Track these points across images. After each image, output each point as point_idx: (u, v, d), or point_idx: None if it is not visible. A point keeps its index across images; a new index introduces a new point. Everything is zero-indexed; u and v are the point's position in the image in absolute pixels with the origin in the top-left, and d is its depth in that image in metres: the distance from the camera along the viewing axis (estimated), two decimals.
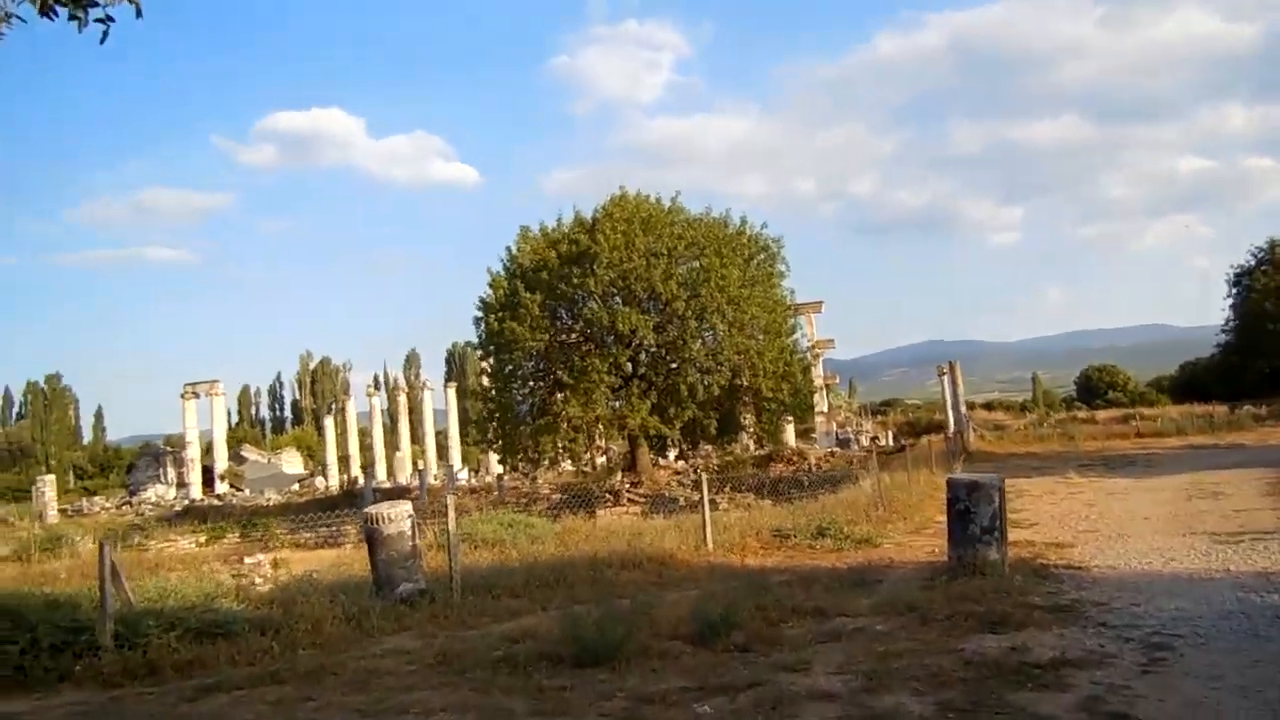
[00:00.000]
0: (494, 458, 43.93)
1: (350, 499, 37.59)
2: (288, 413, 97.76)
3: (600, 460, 34.36)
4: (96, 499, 51.55)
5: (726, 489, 27.80)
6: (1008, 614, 7.28)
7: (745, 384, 26.68)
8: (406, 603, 9.40)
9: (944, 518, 15.33)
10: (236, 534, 29.59)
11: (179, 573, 14.89)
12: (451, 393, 58.55)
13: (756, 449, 36.87)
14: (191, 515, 37.44)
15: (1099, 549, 10.84)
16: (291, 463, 64.57)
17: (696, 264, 25.83)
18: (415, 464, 53.92)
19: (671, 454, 34.94)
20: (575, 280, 24.87)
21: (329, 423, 60.65)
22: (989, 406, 75.95)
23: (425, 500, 34.79)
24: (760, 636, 7.13)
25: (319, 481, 54.91)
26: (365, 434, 60.43)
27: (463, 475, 47.14)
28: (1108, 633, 6.81)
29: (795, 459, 37.16)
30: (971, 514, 8.84)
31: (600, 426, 26.35)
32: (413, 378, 79.47)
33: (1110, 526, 12.83)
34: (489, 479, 43.91)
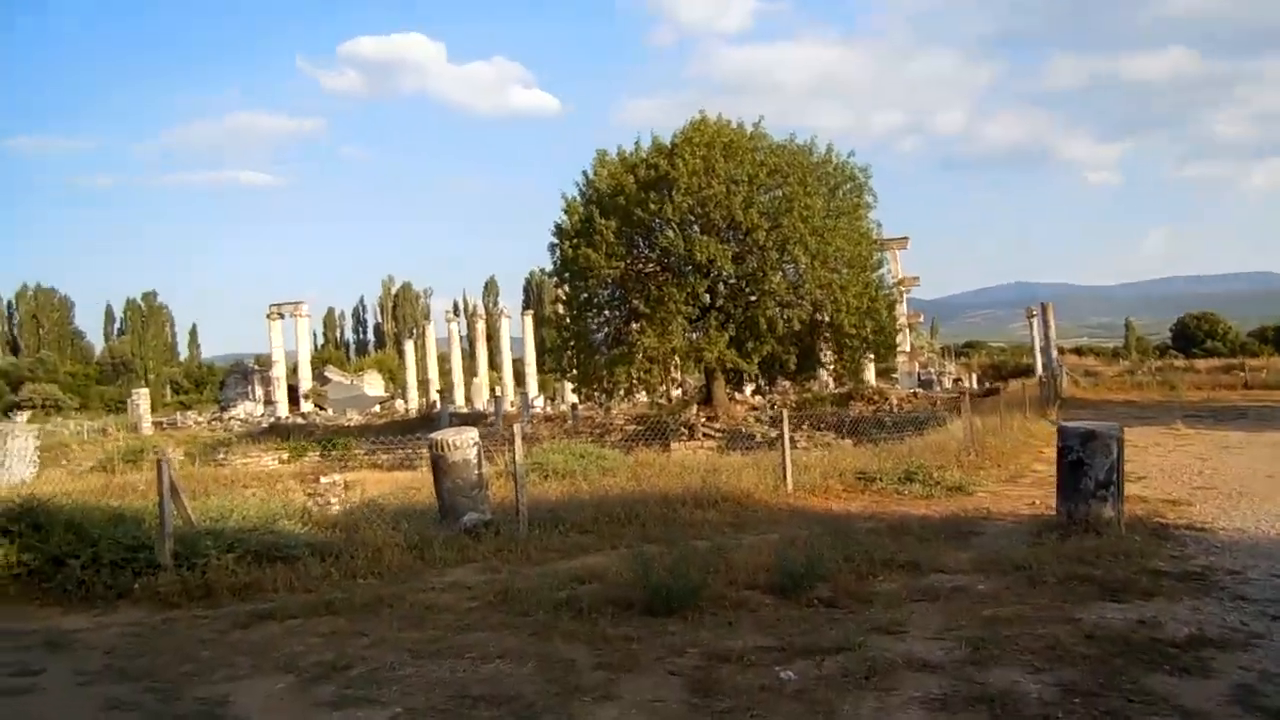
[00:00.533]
0: (569, 386, 43.88)
1: (427, 422, 38.04)
2: (370, 336, 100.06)
3: (675, 393, 33.89)
4: (190, 413, 53.52)
5: (805, 426, 27.00)
6: (1130, 580, 6.48)
7: (827, 319, 25.68)
8: (470, 533, 9.04)
9: (1042, 466, 14.48)
10: (317, 452, 30.21)
11: (254, 489, 15.02)
12: (529, 320, 58.64)
13: (836, 387, 35.88)
14: (276, 432, 38.44)
15: (1221, 509, 9.84)
16: (373, 385, 65.95)
17: (779, 193, 24.67)
18: (492, 390, 54.42)
19: (748, 389, 34.25)
20: (652, 206, 24.02)
21: (409, 347, 61.67)
22: (1079, 352, 73.16)
23: (500, 426, 34.92)
24: (848, 591, 6.49)
25: (399, 404, 55.90)
26: (444, 359, 61.24)
27: (538, 403, 47.31)
28: (1249, 607, 5.97)
29: (876, 398, 36.08)
30: (1085, 466, 7.97)
31: (676, 358, 25.72)
32: (491, 305, 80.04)
33: (1229, 483, 11.74)
34: (564, 407, 43.93)
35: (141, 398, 42.81)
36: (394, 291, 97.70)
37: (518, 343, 62.27)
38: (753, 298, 25.35)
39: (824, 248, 24.05)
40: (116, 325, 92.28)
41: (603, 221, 24.32)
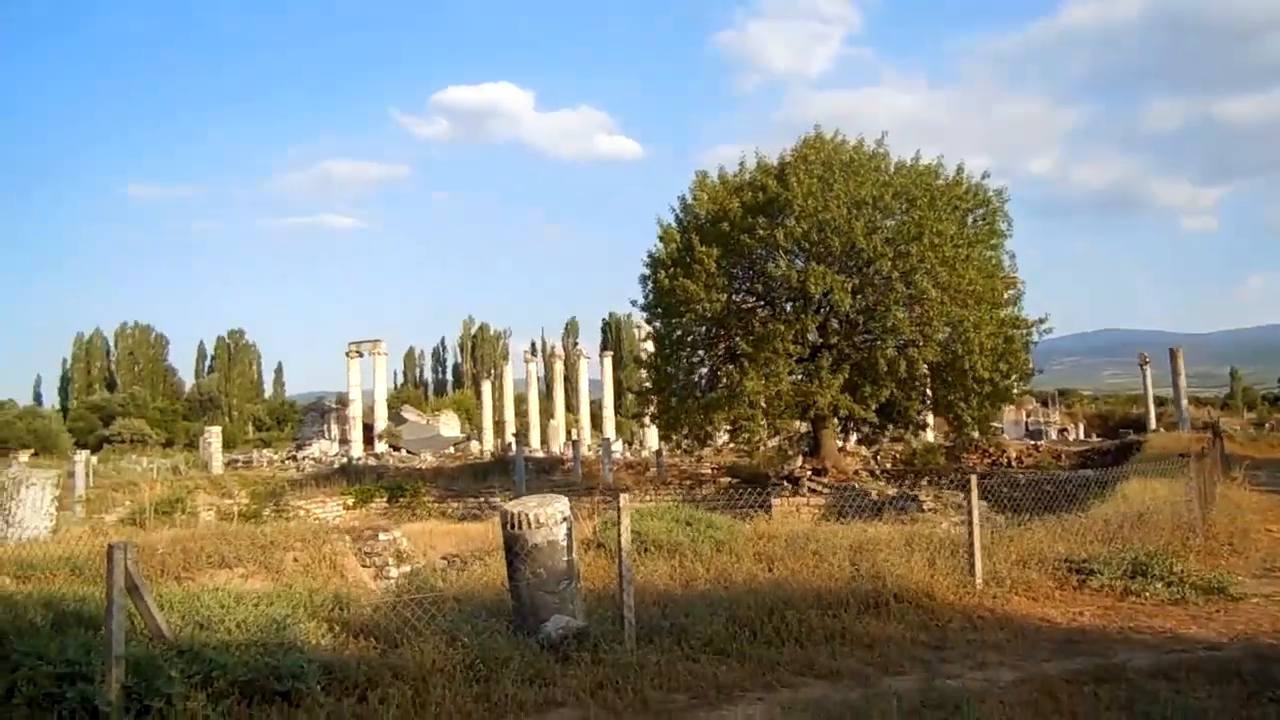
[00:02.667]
0: (651, 431, 41.09)
1: (501, 465, 35.89)
2: (449, 376, 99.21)
3: (770, 442, 30.89)
4: (265, 451, 52.49)
5: (924, 483, 23.83)
6: None
7: (955, 361, 22.44)
8: (557, 650, 6.36)
9: None
10: (384, 498, 28.13)
11: (296, 552, 12.64)
12: (607, 362, 56.45)
13: (946, 438, 32.34)
14: (347, 474, 36.62)
15: None
16: (449, 425, 64.44)
17: (906, 217, 21.71)
18: (569, 433, 52.07)
19: (852, 438, 31.07)
20: (761, 232, 21.28)
21: (486, 387, 59.99)
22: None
23: (579, 473, 32.39)
24: None
25: (474, 445, 54.07)
26: (521, 400, 59.37)
27: (617, 447, 44.68)
28: None
29: (992, 451, 32.58)
30: None
31: (781, 404, 22.74)
32: (570, 346, 78.17)
33: None
34: (645, 453, 41.24)
35: (213, 435, 41.41)
36: (473, 332, 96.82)
37: (595, 385, 60.05)
38: (870, 336, 22.34)
39: (955, 280, 20.92)
40: (207, 363, 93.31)
41: (703, 249, 21.68)
